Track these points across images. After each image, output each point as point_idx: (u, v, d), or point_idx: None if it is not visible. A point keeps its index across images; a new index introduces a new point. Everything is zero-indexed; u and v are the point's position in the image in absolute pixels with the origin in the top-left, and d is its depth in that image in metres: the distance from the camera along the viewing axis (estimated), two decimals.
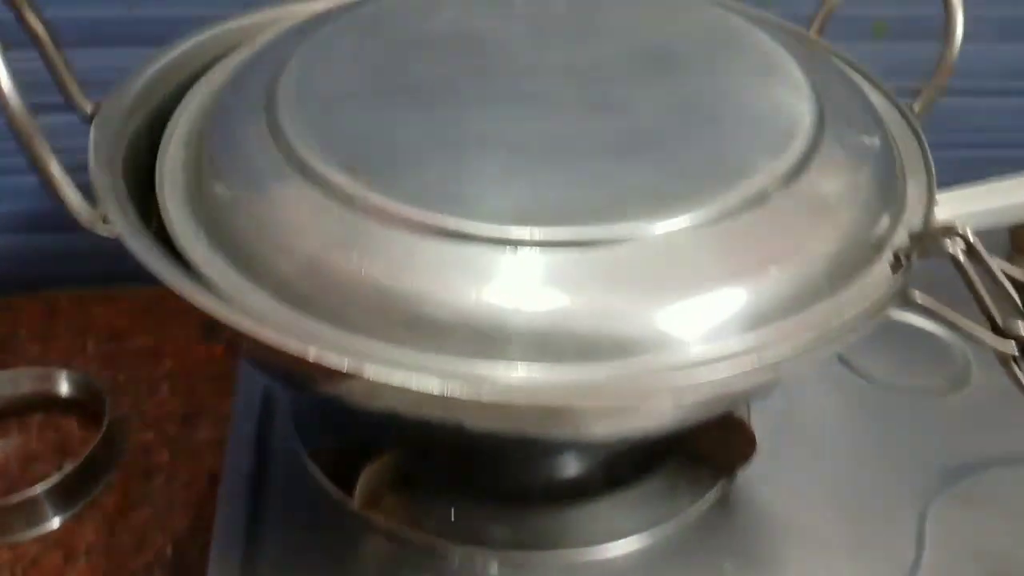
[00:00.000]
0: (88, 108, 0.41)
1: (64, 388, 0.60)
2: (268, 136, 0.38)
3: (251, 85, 0.42)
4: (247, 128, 0.39)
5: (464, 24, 0.45)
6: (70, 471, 0.53)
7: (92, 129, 0.40)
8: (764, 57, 0.44)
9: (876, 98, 0.46)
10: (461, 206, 0.34)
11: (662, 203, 0.35)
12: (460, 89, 0.41)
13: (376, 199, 0.34)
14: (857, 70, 0.48)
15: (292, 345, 0.30)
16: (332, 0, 0.49)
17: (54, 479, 0.52)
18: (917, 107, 0.46)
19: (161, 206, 0.37)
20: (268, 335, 0.30)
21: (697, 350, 0.33)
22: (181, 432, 0.59)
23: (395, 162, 0.36)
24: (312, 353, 0.30)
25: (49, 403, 0.60)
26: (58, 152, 0.34)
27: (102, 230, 0.35)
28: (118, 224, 0.34)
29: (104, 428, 0.56)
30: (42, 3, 0.59)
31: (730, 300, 0.34)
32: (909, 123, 0.45)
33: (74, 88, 0.41)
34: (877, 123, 0.43)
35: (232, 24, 0.48)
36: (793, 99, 0.41)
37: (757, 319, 0.34)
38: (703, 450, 0.46)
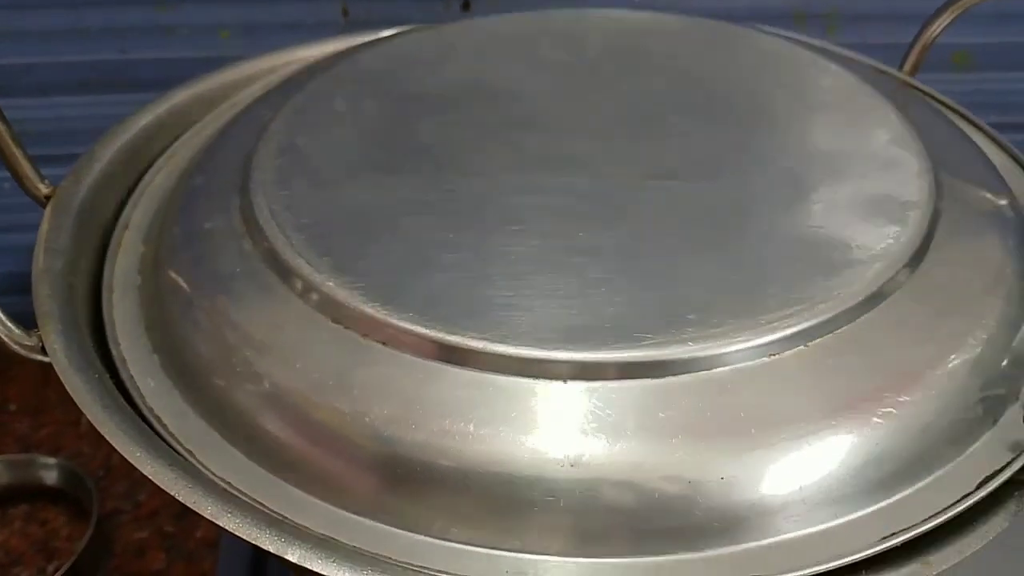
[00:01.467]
0: (43, 190, 0.34)
1: (50, 477, 0.54)
2: (240, 226, 0.30)
3: (223, 159, 0.34)
4: (214, 216, 0.31)
5: (481, 75, 0.37)
6: None
7: (44, 219, 0.33)
8: (853, 103, 0.36)
9: (992, 152, 0.38)
10: (488, 322, 0.26)
11: (749, 312, 0.26)
12: (481, 159, 0.32)
13: (380, 313, 0.26)
14: (965, 118, 0.40)
15: (265, 543, 0.22)
16: (331, 46, 0.41)
17: None
18: None
19: (107, 323, 0.30)
20: (231, 525, 0.23)
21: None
22: (178, 529, 0.52)
23: (403, 262, 0.28)
24: (294, 556, 0.22)
25: (34, 493, 0.54)
26: None
27: (40, 358, 0.28)
28: (58, 356, 0.27)
29: (92, 528, 0.49)
30: (30, 49, 0.55)
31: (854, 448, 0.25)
32: None
33: (27, 169, 0.33)
34: (1004, 186, 0.35)
35: (214, 79, 0.39)
36: (902, 157, 0.33)
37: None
38: None
